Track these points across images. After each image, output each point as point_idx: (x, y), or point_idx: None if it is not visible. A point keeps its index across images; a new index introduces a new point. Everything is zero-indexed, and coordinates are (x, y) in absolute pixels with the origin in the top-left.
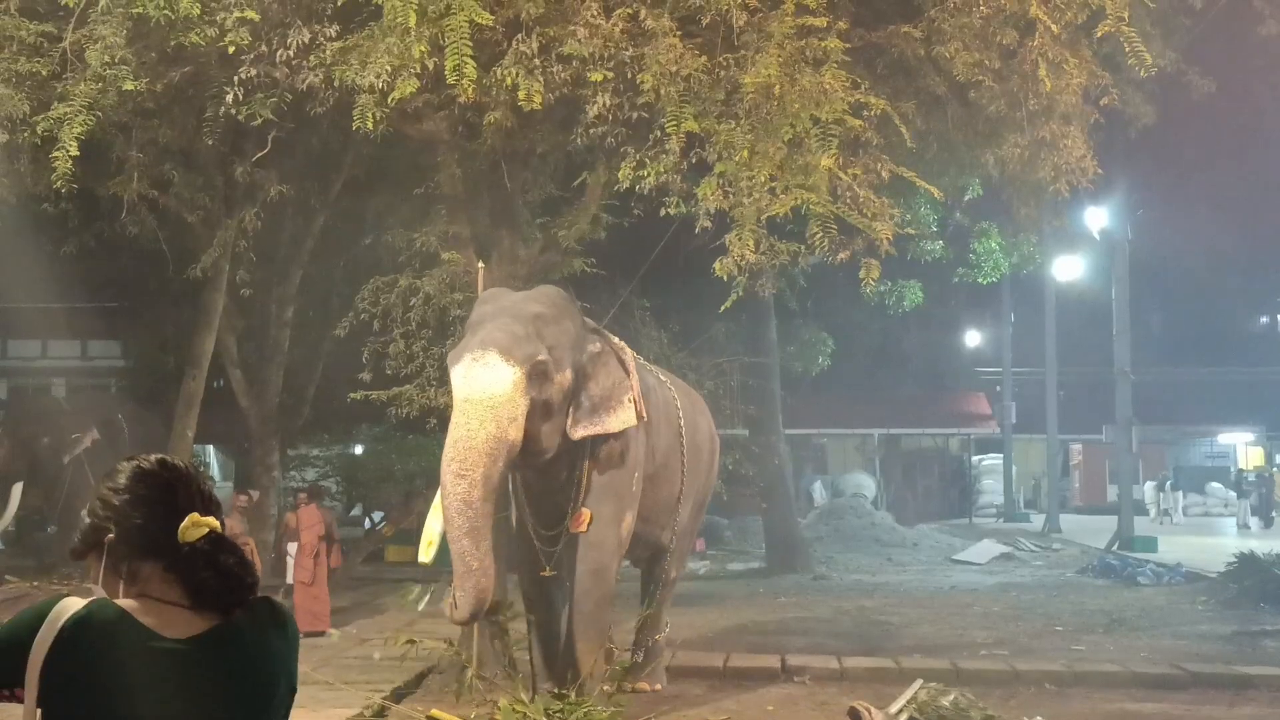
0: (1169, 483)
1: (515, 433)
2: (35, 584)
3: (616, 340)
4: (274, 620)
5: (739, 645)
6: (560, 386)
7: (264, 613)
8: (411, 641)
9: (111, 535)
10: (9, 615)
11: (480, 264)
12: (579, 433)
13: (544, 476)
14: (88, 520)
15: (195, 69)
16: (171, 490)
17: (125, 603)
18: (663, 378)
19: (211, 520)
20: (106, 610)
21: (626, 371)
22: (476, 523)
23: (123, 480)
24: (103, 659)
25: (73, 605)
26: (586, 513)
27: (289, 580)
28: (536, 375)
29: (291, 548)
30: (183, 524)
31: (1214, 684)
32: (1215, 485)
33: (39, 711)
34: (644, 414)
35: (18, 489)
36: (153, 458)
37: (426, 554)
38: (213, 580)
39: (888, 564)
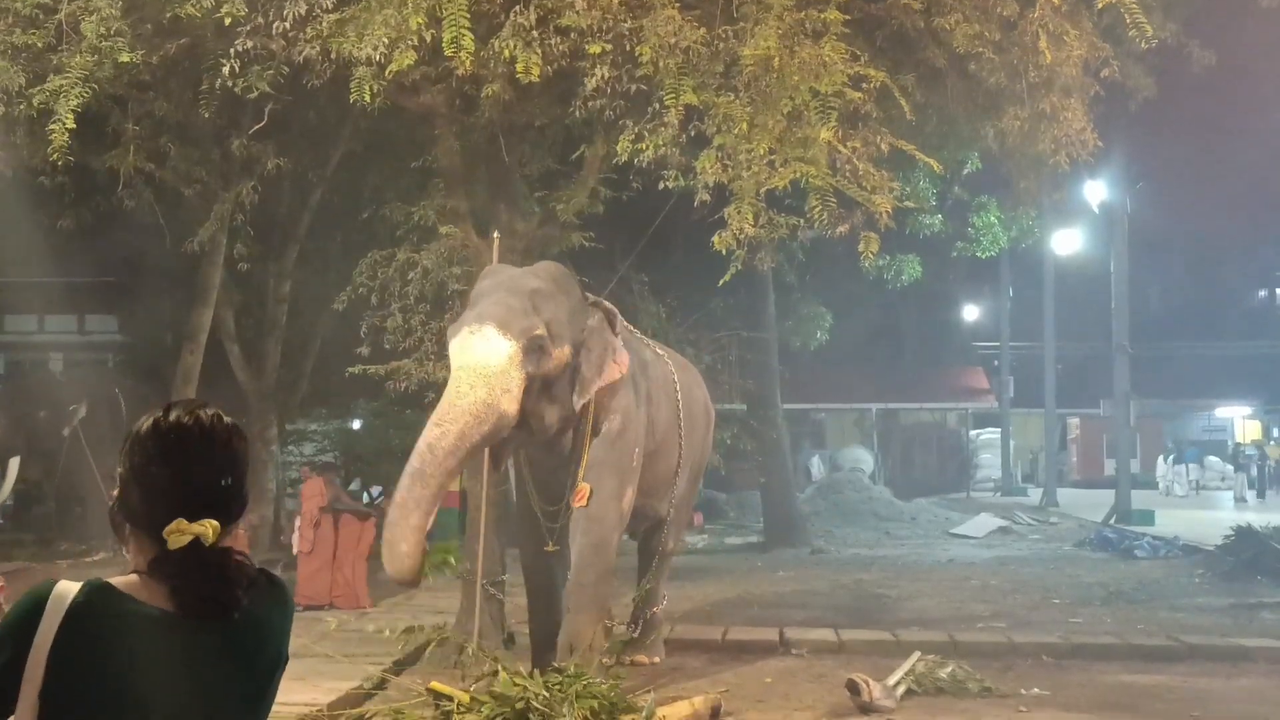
0: (1171, 456)
1: (509, 404)
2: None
3: (607, 305)
4: (273, 595)
5: (737, 618)
6: (559, 362)
7: (263, 588)
8: (410, 629)
9: (117, 493)
10: (9, 586)
11: (495, 234)
12: (578, 402)
13: (546, 452)
14: (119, 464)
15: (191, 41)
16: (171, 480)
17: (124, 581)
18: (659, 351)
19: (198, 528)
20: (104, 593)
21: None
22: (427, 469)
23: (138, 439)
24: (105, 644)
25: (68, 590)
26: (586, 487)
27: (294, 551)
28: (533, 350)
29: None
30: (168, 527)
31: (1211, 656)
32: (1213, 459)
33: (38, 705)
34: (621, 371)
35: (14, 463)
36: (172, 421)
37: None
38: (183, 591)
39: (885, 538)
